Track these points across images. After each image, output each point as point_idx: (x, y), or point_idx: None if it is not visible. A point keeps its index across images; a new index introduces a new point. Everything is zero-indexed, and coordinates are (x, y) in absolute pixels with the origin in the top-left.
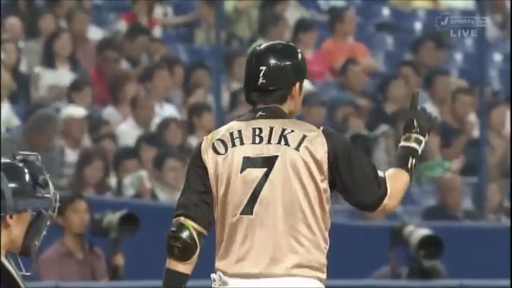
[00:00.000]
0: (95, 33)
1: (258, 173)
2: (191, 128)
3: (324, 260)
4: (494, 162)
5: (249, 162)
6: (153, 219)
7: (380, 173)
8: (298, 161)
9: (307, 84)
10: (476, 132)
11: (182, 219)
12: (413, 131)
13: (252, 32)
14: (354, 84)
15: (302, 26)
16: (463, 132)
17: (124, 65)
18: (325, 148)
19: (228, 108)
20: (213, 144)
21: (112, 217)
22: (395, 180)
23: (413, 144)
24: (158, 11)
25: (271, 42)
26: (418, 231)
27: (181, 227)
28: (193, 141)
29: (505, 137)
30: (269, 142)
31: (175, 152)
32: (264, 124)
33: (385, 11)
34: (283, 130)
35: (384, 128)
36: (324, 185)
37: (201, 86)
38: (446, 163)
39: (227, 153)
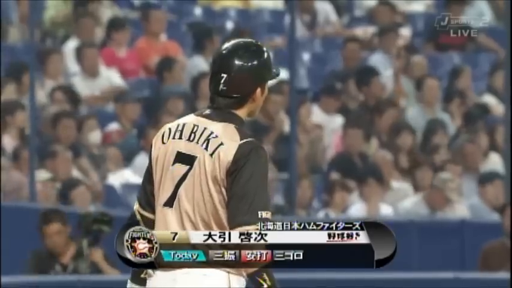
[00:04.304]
0: None
1: (183, 169)
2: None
3: None
4: (302, 158)
5: (179, 157)
6: None
7: (263, 212)
8: (209, 166)
9: (279, 74)
10: (286, 129)
11: (135, 206)
12: None
13: (66, 30)
14: (172, 82)
15: (115, 24)
16: (273, 129)
17: None
18: (230, 158)
19: (44, 105)
20: (163, 132)
21: None
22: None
23: None
24: None
25: (236, 44)
26: None
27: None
28: (5, 140)
29: (310, 134)
30: (197, 142)
31: None
32: (202, 124)
33: (197, 10)
34: (210, 133)
35: None
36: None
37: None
38: None
39: (167, 143)
